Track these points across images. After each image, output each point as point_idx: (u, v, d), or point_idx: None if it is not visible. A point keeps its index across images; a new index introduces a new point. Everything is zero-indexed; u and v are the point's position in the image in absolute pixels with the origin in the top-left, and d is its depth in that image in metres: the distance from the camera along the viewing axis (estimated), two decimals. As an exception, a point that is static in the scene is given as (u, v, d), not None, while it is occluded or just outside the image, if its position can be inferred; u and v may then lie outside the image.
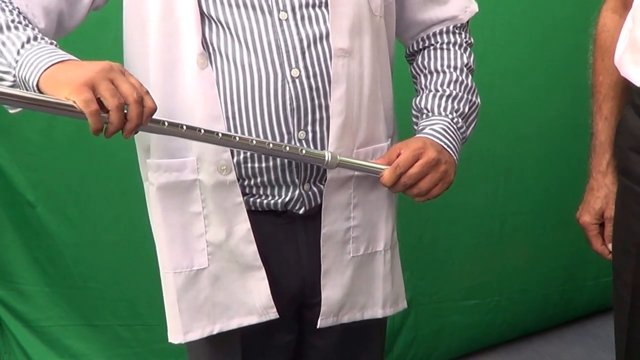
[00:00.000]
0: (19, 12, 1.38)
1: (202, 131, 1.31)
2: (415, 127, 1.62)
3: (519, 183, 2.96)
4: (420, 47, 1.67)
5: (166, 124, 1.28)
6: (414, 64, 1.68)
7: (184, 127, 1.30)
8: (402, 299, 1.66)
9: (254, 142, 1.32)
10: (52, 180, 2.59)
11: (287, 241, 1.53)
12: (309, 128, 1.43)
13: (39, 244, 2.67)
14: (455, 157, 1.54)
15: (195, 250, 1.49)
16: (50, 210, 2.62)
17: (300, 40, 1.41)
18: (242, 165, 1.45)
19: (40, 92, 1.23)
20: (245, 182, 1.46)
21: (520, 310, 3.10)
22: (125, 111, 1.22)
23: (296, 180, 1.47)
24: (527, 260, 3.05)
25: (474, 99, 1.62)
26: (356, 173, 1.51)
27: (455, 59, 1.63)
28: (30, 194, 2.62)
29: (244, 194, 1.46)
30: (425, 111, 1.59)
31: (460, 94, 1.59)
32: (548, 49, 2.87)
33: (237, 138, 1.31)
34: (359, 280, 1.57)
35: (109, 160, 2.51)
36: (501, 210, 2.97)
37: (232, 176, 1.44)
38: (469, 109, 1.60)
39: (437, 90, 1.60)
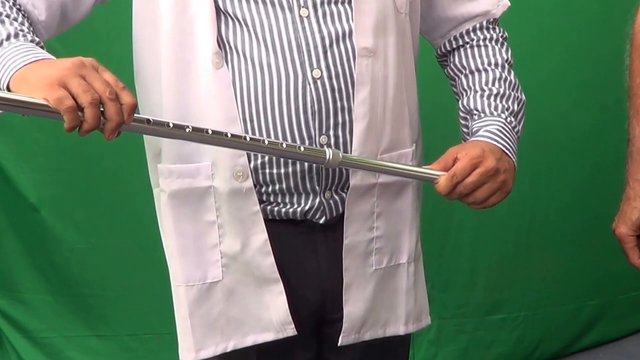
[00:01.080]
0: (14, 3, 1.36)
1: (190, 129, 1.27)
2: (465, 130, 1.61)
3: (547, 190, 2.94)
4: (454, 46, 1.67)
5: (151, 121, 1.23)
6: (451, 65, 1.68)
7: (171, 124, 1.26)
8: (425, 314, 1.65)
9: (248, 139, 1.30)
10: (58, 182, 2.60)
11: (307, 252, 1.52)
12: (331, 132, 1.42)
13: (42, 250, 2.68)
14: (514, 160, 1.53)
15: (209, 262, 1.48)
16: (55, 214, 2.63)
17: (322, 39, 1.41)
18: (260, 171, 1.43)
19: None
20: (263, 189, 1.45)
21: (549, 327, 3.07)
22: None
23: (317, 187, 1.46)
24: (555, 272, 3.03)
25: (520, 95, 1.62)
26: (379, 180, 1.50)
27: (494, 55, 1.63)
28: (33, 196, 2.62)
29: (261, 201, 1.45)
30: (475, 112, 1.58)
31: (507, 92, 1.59)
32: (577, 51, 2.85)
33: (229, 135, 1.28)
34: (382, 294, 1.56)
35: (118, 161, 2.50)
36: (528, 219, 2.95)
37: (249, 183, 1.43)
38: (518, 106, 1.60)
39: (483, 90, 1.59)
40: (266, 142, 1.31)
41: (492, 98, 1.58)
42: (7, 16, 1.32)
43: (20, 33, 1.30)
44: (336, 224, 1.50)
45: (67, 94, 1.15)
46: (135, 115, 1.21)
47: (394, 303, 1.58)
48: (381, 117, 1.46)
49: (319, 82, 1.40)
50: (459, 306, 2.93)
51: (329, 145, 1.42)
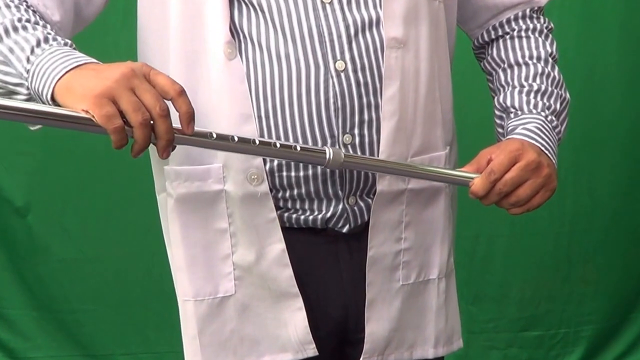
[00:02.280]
0: (28, 6, 1.37)
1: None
2: (500, 130, 1.61)
3: (591, 195, 2.94)
4: (493, 37, 1.67)
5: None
6: (488, 58, 1.68)
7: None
8: (457, 336, 1.65)
9: (236, 139, 1.29)
10: (47, 185, 2.61)
11: (328, 264, 1.52)
12: (356, 131, 1.42)
13: (27, 260, 2.68)
14: (554, 162, 1.51)
15: (220, 275, 1.49)
16: (43, 220, 2.63)
17: (347, 27, 1.41)
18: (277, 174, 1.43)
19: (56, 105, 1.23)
20: (280, 194, 1.45)
21: (592, 346, 3.06)
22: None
23: (339, 192, 1.45)
24: (599, 284, 3.02)
25: (563, 93, 1.61)
26: (409, 185, 1.50)
27: (537, 48, 1.63)
28: (19, 200, 2.63)
29: (277, 208, 1.45)
30: (512, 110, 1.58)
31: (549, 89, 1.59)
32: (624, 49, 2.86)
33: (214, 135, 1.28)
34: (409, 313, 1.56)
35: (114, 162, 2.50)
36: (569, 226, 2.95)
37: (264, 187, 1.43)
38: (561, 105, 1.59)
39: (522, 86, 1.59)
40: (257, 142, 1.31)
41: (532, 95, 1.57)
42: (28, 20, 1.32)
43: (50, 36, 1.30)
44: (360, 234, 1.49)
45: (115, 112, 1.17)
46: (196, 129, 1.24)
47: (422, 323, 1.58)
48: (412, 115, 1.46)
49: (342, 75, 1.40)
50: (489, 320, 2.94)
51: (353, 146, 1.42)
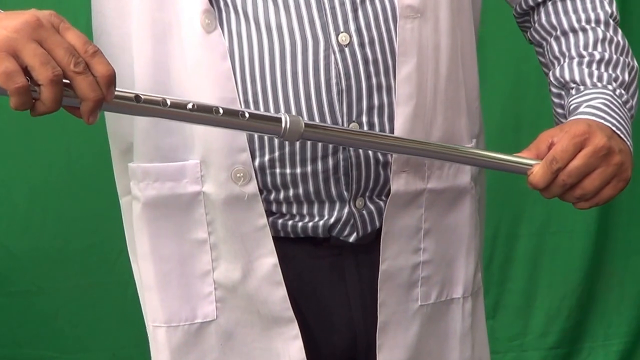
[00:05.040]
0: None
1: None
2: (560, 111, 1.58)
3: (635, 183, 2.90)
4: (539, 0, 1.63)
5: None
6: (535, 26, 1.63)
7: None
8: None
9: (169, 102, 1.23)
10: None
11: (331, 282, 1.48)
12: (364, 118, 1.38)
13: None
14: (629, 144, 1.47)
15: (199, 296, 1.44)
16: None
17: None
18: (268, 172, 1.38)
19: None
20: (271, 196, 1.40)
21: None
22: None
23: (345, 193, 1.40)
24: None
25: (631, 61, 1.57)
26: (429, 185, 1.46)
27: (595, 9, 1.58)
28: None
29: (268, 213, 1.40)
30: (573, 85, 1.53)
31: (614, 57, 1.54)
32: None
33: (142, 97, 1.21)
34: (428, 339, 1.52)
35: (75, 139, 2.51)
36: (607, 220, 2.95)
37: (253, 187, 1.38)
38: (629, 75, 1.54)
39: (581, 56, 1.55)
40: (194, 106, 1.25)
41: (595, 65, 1.53)
42: None
43: None
44: (370, 244, 1.45)
45: (17, 67, 1.11)
46: (117, 90, 1.18)
47: (445, 351, 1.55)
48: (431, 100, 1.42)
49: (346, 50, 1.36)
50: (513, 337, 2.94)
51: None
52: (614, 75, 1.52)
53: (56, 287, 2.64)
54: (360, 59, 1.36)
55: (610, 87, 1.50)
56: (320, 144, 1.35)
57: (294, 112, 1.35)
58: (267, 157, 1.38)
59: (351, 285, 1.48)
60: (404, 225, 1.45)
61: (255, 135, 1.36)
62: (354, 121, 1.37)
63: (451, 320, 1.54)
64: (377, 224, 1.44)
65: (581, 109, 1.48)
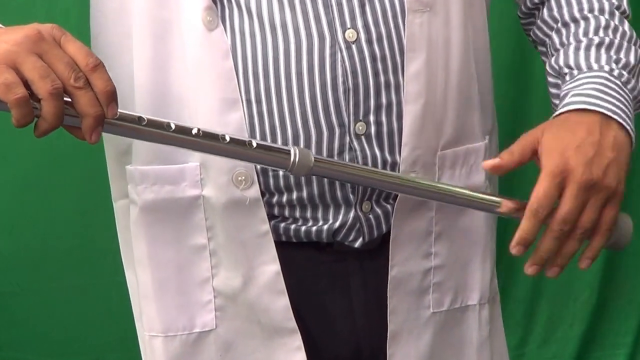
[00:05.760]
0: None
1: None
2: (556, 102, 1.49)
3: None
4: None
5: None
6: (538, 22, 1.59)
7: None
8: None
9: (173, 127, 1.22)
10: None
11: (335, 290, 1.47)
12: (372, 118, 1.37)
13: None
14: (629, 128, 1.37)
15: (197, 304, 1.44)
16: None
17: None
18: (271, 174, 1.38)
19: None
20: (274, 200, 1.39)
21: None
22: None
23: (350, 196, 1.39)
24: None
25: (638, 49, 1.49)
26: None
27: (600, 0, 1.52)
28: None
29: (270, 217, 1.40)
30: (566, 70, 1.47)
31: (617, 41, 1.47)
32: None
33: (145, 120, 1.21)
34: (442, 348, 1.51)
35: (60, 138, 2.50)
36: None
37: (255, 191, 1.37)
38: (635, 58, 1.46)
39: (579, 41, 1.48)
40: (199, 133, 1.25)
41: (594, 49, 1.46)
42: None
43: None
44: (377, 250, 1.44)
45: (16, 79, 1.11)
46: (120, 111, 1.18)
47: None
48: (442, 97, 1.41)
49: (354, 47, 1.35)
50: (515, 347, 2.91)
51: (368, 137, 1.37)
52: (615, 57, 1.45)
53: (38, 288, 2.65)
54: (368, 56, 1.36)
55: (606, 67, 1.44)
56: (325, 141, 1.35)
57: (298, 113, 1.35)
58: None
59: (356, 292, 1.47)
60: (413, 229, 1.44)
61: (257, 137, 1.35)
62: (361, 120, 1.36)
63: (467, 329, 1.53)
64: (384, 228, 1.43)
65: (567, 99, 1.42)
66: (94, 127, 1.15)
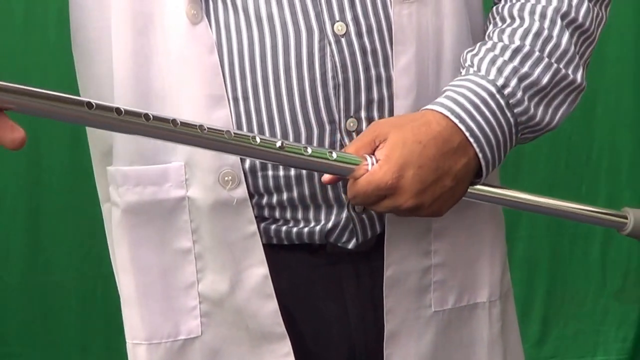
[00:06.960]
0: None
1: (178, 123, 1.21)
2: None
3: (630, 187, 2.96)
4: None
5: (122, 111, 1.17)
6: (489, 16, 1.49)
7: (151, 116, 1.19)
8: None
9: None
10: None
11: (327, 293, 1.45)
12: (363, 114, 1.36)
13: None
14: (475, 147, 1.33)
15: (182, 310, 1.42)
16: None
17: None
18: (259, 174, 1.36)
19: None
20: (263, 201, 1.38)
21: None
22: None
23: (343, 196, 1.37)
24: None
25: (563, 69, 1.39)
26: None
27: (550, 3, 1.41)
28: None
29: (259, 219, 1.39)
30: (468, 63, 1.39)
31: (537, 54, 1.37)
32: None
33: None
34: (449, 347, 1.49)
35: (43, 134, 2.53)
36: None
37: (242, 191, 1.36)
38: (550, 79, 1.37)
39: (499, 40, 1.39)
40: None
41: (499, 51, 1.38)
42: None
43: None
44: (371, 251, 1.43)
45: None
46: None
47: (470, 359, 1.54)
48: (434, 90, 1.39)
49: (343, 40, 1.35)
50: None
51: (359, 133, 1.36)
52: (523, 71, 1.37)
53: (24, 281, 2.64)
54: (358, 50, 1.35)
55: (500, 81, 1.36)
56: (315, 139, 1.33)
57: (286, 110, 1.34)
58: (257, 159, 1.37)
59: (349, 296, 1.45)
60: (409, 227, 1.42)
61: None
62: (351, 116, 1.35)
63: (476, 327, 1.51)
64: (378, 228, 1.41)
65: (441, 97, 1.37)
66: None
